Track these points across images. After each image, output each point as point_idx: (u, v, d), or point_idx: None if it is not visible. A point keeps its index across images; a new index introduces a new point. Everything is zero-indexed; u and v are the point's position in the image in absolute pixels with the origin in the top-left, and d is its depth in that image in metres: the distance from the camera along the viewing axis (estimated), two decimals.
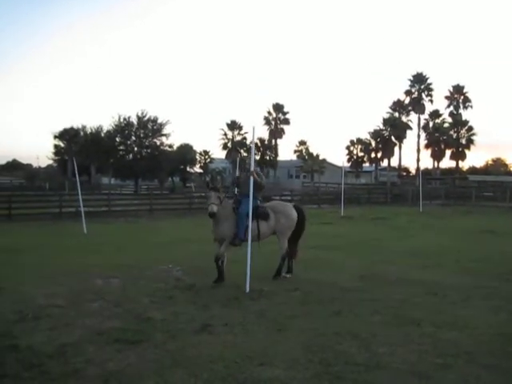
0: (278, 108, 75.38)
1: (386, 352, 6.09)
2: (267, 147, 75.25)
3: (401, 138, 70.42)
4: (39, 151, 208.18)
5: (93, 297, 8.75)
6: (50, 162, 72.95)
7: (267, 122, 75.51)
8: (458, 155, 69.90)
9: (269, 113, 75.56)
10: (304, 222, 10.86)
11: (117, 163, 50.62)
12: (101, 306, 8.20)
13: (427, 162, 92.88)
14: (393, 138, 70.60)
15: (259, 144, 75.03)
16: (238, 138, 75.83)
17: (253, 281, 9.82)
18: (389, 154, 71.78)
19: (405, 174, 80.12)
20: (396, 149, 71.81)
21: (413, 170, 79.72)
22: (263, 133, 77.63)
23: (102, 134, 53.04)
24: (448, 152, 70.50)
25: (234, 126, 75.62)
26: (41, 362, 5.66)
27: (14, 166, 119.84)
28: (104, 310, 7.91)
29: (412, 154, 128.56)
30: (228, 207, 10.06)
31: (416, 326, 7.20)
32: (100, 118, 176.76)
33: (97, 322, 7.28)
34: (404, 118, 71.76)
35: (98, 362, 5.68)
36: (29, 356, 5.87)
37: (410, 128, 71.16)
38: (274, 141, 75.74)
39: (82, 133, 60.73)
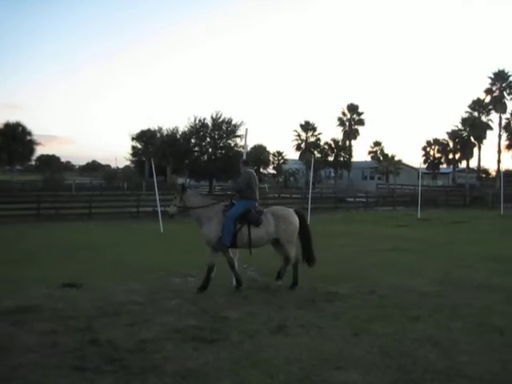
0: (353, 108, 74.21)
1: (468, 361, 5.86)
2: (341, 148, 74.38)
3: (480, 138, 67.82)
4: (117, 152, 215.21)
5: (170, 295, 8.92)
6: (128, 162, 74.99)
7: (341, 122, 74.48)
8: None
9: (343, 113, 74.51)
10: (306, 226, 10.02)
11: (192, 164, 51.45)
12: (178, 304, 8.34)
13: (509, 163, 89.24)
14: (472, 138, 68.20)
15: (333, 145, 74.32)
16: (312, 139, 75.33)
17: (328, 283, 9.77)
18: (467, 155, 69.39)
19: (484, 175, 77.17)
20: (475, 150, 69.36)
21: (493, 172, 76.65)
22: (337, 134, 76.91)
23: (178, 136, 54.02)
24: None
25: (307, 126, 75.04)
26: (121, 357, 5.80)
27: (93, 167, 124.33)
28: (181, 308, 8.04)
29: (492, 155, 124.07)
30: (214, 208, 9.52)
31: (499, 334, 6.90)
32: (176, 119, 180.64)
33: (174, 319, 7.40)
34: (484, 118, 68.95)
35: (176, 359, 5.77)
36: (109, 350, 6.04)
37: (491, 128, 68.33)
38: (348, 142, 74.75)
39: (158, 134, 62.11)
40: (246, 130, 12.11)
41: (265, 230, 9.39)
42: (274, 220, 9.47)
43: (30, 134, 66.99)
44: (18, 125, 65.91)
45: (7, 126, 64.90)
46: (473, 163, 71.65)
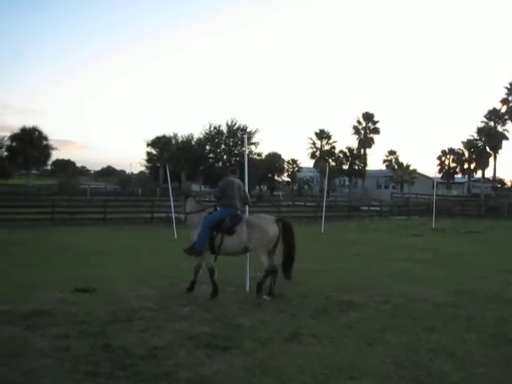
0: (368, 117, 74.09)
1: (483, 372, 5.78)
2: (356, 157, 74.24)
3: (496, 148, 67.37)
4: (132, 158, 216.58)
5: (183, 301, 8.92)
6: (143, 168, 75.37)
7: (356, 131, 74.37)
8: None
9: (358, 122, 74.43)
10: (291, 237, 9.56)
11: (207, 171, 51.69)
12: (191, 310, 8.33)
13: None
14: (487, 148, 67.77)
15: (348, 153, 74.22)
16: (327, 147, 75.25)
17: (341, 292, 9.72)
18: (483, 164, 68.98)
19: (500, 185, 76.54)
20: (491, 159, 68.89)
21: (508, 182, 76.18)
22: (352, 142, 76.81)
23: (193, 142, 54.31)
24: None
25: (322, 135, 75.01)
26: (134, 363, 5.79)
27: (108, 172, 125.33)
28: (194, 315, 8.02)
29: (508, 165, 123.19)
30: (201, 215, 9.83)
31: None
32: (191, 126, 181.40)
33: (187, 326, 7.38)
34: (500, 128, 68.50)
35: (189, 366, 5.75)
36: (122, 356, 6.03)
37: (507, 138, 67.88)
38: (363, 150, 74.57)
39: (173, 141, 62.41)
40: (245, 137, 12.43)
41: (238, 240, 9.37)
42: (248, 229, 9.34)
43: (46, 138, 67.84)
44: (34, 129, 66.66)
45: (24, 130, 65.65)
46: (488, 173, 71.37)
